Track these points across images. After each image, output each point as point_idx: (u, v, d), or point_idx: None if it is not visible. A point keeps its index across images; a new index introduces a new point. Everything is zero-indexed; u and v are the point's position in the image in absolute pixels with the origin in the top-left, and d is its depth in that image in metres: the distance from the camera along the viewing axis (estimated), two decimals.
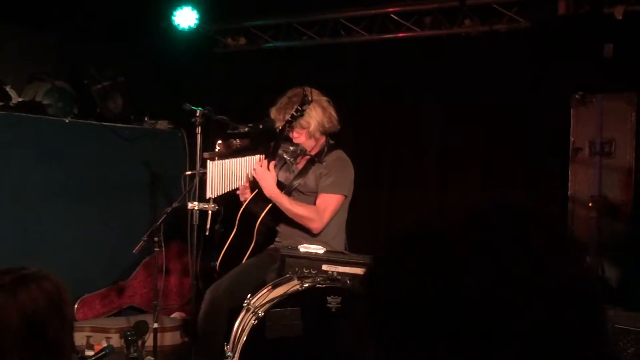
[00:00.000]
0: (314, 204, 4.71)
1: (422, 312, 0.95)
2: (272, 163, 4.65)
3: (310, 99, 4.57)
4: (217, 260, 4.89)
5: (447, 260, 0.95)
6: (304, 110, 4.57)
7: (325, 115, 4.71)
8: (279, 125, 4.73)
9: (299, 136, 4.72)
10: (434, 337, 0.93)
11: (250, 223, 4.81)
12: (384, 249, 1.05)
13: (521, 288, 0.91)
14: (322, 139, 4.82)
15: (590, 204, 5.64)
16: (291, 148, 4.70)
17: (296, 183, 4.77)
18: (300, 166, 4.82)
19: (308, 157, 4.78)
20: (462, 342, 0.91)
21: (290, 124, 4.59)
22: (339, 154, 4.82)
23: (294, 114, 4.54)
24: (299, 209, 4.62)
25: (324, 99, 4.76)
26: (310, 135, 4.73)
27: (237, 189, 4.95)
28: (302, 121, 4.64)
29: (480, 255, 0.93)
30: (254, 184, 4.85)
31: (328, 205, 4.68)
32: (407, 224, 1.06)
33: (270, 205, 4.72)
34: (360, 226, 6.00)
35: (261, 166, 4.66)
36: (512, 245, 0.94)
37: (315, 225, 4.66)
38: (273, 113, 4.79)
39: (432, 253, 0.98)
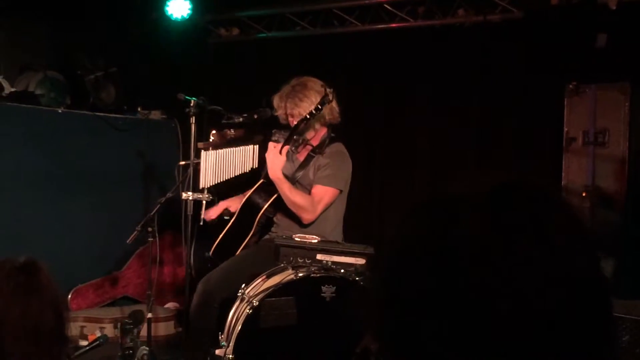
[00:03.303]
0: None
1: (429, 290, 0.94)
2: (285, 148, 4.64)
3: (330, 98, 4.56)
4: (210, 249, 4.90)
5: (460, 234, 0.94)
6: (322, 109, 4.55)
7: (327, 106, 4.69)
8: (280, 113, 4.75)
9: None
10: (440, 315, 0.93)
11: (251, 215, 4.81)
12: (401, 221, 1.04)
13: (532, 273, 0.90)
14: (323, 131, 4.83)
15: (583, 194, 5.66)
16: (294, 137, 4.69)
17: (298, 175, 4.77)
18: (301, 158, 4.82)
19: (309, 148, 4.78)
20: (467, 322, 0.91)
21: (307, 121, 4.57)
22: (338, 147, 4.83)
23: (313, 112, 4.51)
24: (297, 197, 4.62)
25: (328, 90, 4.75)
26: (310, 125, 4.72)
27: (232, 178, 4.96)
28: (303, 110, 4.64)
29: (495, 233, 0.93)
30: (257, 173, 4.86)
31: (322, 198, 4.68)
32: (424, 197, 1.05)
33: (273, 197, 4.72)
34: (353, 215, 6.00)
35: (274, 147, 4.65)
36: (531, 227, 0.93)
37: (308, 216, 4.66)
38: (275, 100, 4.80)
39: (447, 225, 0.97)
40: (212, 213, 5.02)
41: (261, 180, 4.83)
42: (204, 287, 4.60)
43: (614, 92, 5.69)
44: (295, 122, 4.68)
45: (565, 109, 5.86)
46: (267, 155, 4.67)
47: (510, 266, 0.90)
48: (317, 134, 4.80)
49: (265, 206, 4.76)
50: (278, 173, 4.61)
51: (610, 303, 0.96)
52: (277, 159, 4.63)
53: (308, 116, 4.50)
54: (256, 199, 4.82)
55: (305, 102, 4.66)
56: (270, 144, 4.67)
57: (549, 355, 0.90)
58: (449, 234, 0.95)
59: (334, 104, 4.73)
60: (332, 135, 4.86)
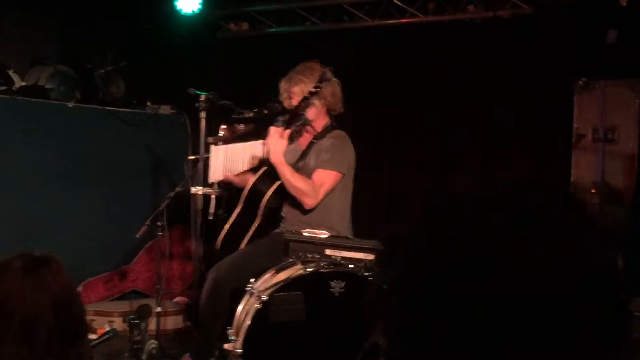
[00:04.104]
0: None
1: (448, 278, 0.95)
2: (287, 132, 4.63)
3: (329, 77, 4.55)
4: (217, 241, 4.91)
5: (480, 230, 0.95)
6: (322, 87, 4.56)
7: (329, 88, 4.71)
8: (285, 97, 4.76)
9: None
10: (457, 304, 0.93)
11: (256, 202, 4.81)
12: (421, 217, 1.05)
13: (552, 273, 0.91)
14: (326, 119, 4.83)
15: (593, 191, 5.65)
16: (295, 120, 4.69)
17: (300, 164, 4.76)
18: (303, 148, 4.82)
19: (311, 136, 4.78)
20: (483, 307, 0.92)
21: (307, 100, 4.57)
22: (339, 133, 4.82)
23: (312, 90, 4.51)
24: (298, 181, 4.60)
25: (334, 79, 4.77)
26: (311, 104, 4.73)
27: (241, 173, 4.97)
28: (299, 88, 4.67)
29: (513, 229, 0.94)
30: (260, 163, 4.85)
31: (324, 182, 4.65)
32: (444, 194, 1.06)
33: (276, 185, 4.72)
34: (362, 211, 6.00)
35: (275, 132, 4.64)
36: (546, 224, 0.94)
37: (309, 201, 4.64)
38: (282, 84, 4.81)
39: (466, 222, 0.98)
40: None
41: (264, 168, 4.82)
42: (214, 276, 4.60)
43: (624, 89, 5.69)
44: (295, 102, 4.71)
45: (575, 105, 5.86)
46: (268, 139, 4.66)
47: (530, 266, 0.91)
48: (318, 120, 4.80)
49: (269, 192, 4.75)
50: (279, 157, 4.59)
51: (626, 301, 0.97)
52: (278, 142, 4.60)
53: (308, 95, 4.51)
54: (260, 186, 4.82)
55: (301, 78, 4.69)
56: (272, 128, 4.65)
57: (570, 352, 0.91)
58: (471, 234, 0.95)
59: (337, 89, 4.75)
60: (334, 124, 4.86)
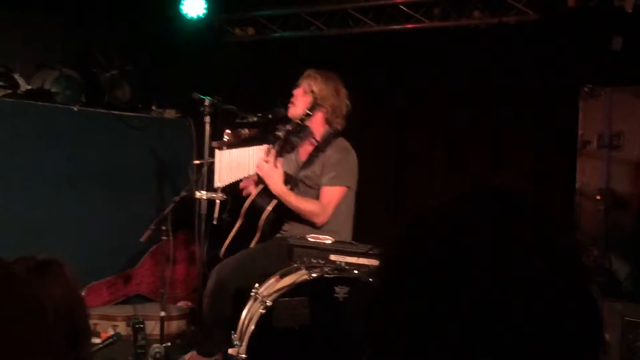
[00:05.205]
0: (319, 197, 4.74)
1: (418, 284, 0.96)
2: (279, 160, 4.69)
3: (319, 102, 4.66)
4: (221, 250, 4.92)
5: (431, 240, 0.98)
6: (312, 115, 4.68)
7: (329, 85, 4.77)
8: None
9: (297, 96, 4.83)
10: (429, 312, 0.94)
11: (256, 216, 4.83)
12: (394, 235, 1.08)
13: (495, 275, 0.92)
14: (325, 127, 4.85)
15: (598, 197, 5.64)
16: (287, 144, 4.77)
17: (302, 175, 4.78)
18: (303, 158, 4.84)
19: (312, 146, 4.79)
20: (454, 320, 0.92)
21: (292, 134, 4.67)
22: (341, 143, 4.85)
23: (304, 116, 4.64)
24: (305, 204, 4.65)
25: (342, 88, 4.83)
26: (305, 92, 4.80)
27: (243, 180, 4.98)
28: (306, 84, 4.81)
29: (458, 238, 0.95)
30: (259, 178, 4.87)
31: (331, 199, 4.70)
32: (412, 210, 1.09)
33: (276, 201, 4.74)
34: (367, 217, 6.00)
35: (266, 162, 4.69)
36: (491, 230, 0.95)
37: (320, 220, 4.70)
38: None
39: (419, 231, 1.01)
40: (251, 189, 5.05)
41: (263, 185, 4.85)
42: (219, 275, 4.63)
43: (630, 95, 5.67)
44: (295, 94, 4.86)
45: (580, 112, 5.84)
46: (260, 172, 4.72)
47: (500, 272, 0.92)
48: (318, 129, 4.82)
49: (269, 209, 4.78)
50: (280, 186, 4.66)
51: (598, 306, 0.97)
52: (274, 172, 4.68)
53: (300, 121, 4.61)
54: (259, 202, 4.85)
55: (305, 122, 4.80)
56: (260, 160, 4.72)
57: (545, 354, 0.91)
58: (440, 246, 0.97)
59: (340, 105, 4.80)
60: (333, 131, 4.89)
